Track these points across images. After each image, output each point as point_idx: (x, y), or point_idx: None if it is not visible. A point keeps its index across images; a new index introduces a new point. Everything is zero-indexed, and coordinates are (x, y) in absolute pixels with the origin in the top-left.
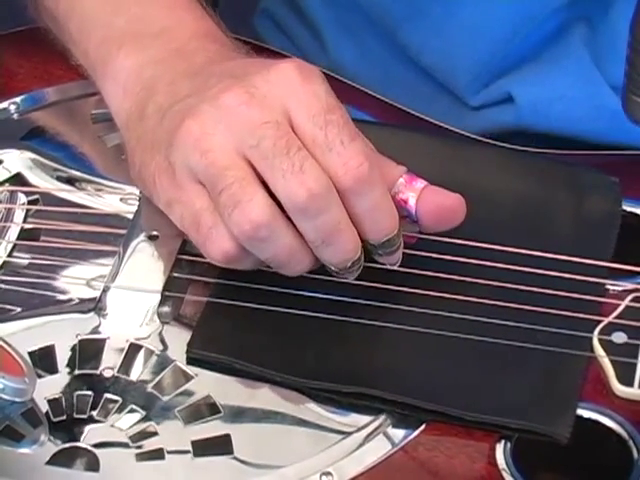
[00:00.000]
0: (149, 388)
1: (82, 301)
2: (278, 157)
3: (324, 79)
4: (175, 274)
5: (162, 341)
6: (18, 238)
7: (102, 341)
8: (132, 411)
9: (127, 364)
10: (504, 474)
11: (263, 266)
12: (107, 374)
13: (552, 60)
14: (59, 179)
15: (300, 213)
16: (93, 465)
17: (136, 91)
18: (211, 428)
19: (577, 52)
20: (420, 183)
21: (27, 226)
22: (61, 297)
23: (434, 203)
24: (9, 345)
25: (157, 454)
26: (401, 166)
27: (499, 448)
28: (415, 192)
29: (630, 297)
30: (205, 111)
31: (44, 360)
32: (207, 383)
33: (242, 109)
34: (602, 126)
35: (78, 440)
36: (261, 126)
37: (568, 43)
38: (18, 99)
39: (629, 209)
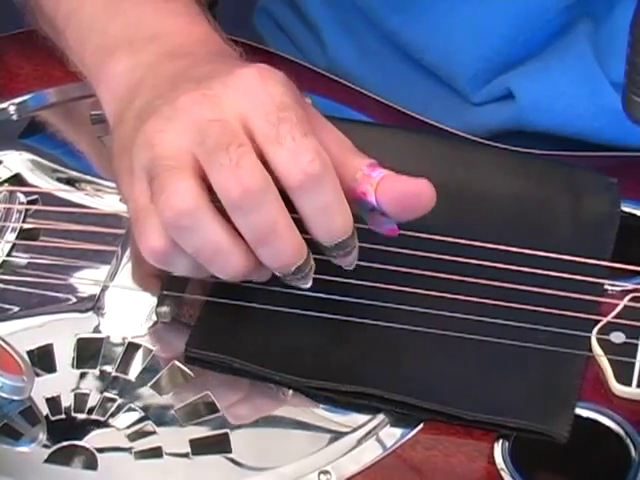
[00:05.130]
0: (147, 387)
1: (81, 300)
2: (217, 152)
3: (286, 82)
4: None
5: (160, 340)
6: (17, 238)
7: (100, 340)
8: (130, 410)
9: (125, 363)
10: (502, 473)
11: (196, 271)
12: (105, 373)
13: (554, 56)
14: (58, 179)
15: (234, 209)
16: (91, 463)
17: (121, 96)
18: (209, 427)
19: (579, 48)
20: (379, 173)
21: (26, 226)
22: (60, 296)
23: (393, 192)
24: (7, 344)
25: (155, 453)
26: (365, 158)
27: (497, 447)
28: (372, 183)
29: (629, 297)
30: (163, 112)
31: (42, 359)
32: (205, 382)
33: (194, 109)
34: (602, 124)
35: (76, 439)
36: (207, 123)
37: (571, 39)
38: (18, 100)
39: (628, 210)
